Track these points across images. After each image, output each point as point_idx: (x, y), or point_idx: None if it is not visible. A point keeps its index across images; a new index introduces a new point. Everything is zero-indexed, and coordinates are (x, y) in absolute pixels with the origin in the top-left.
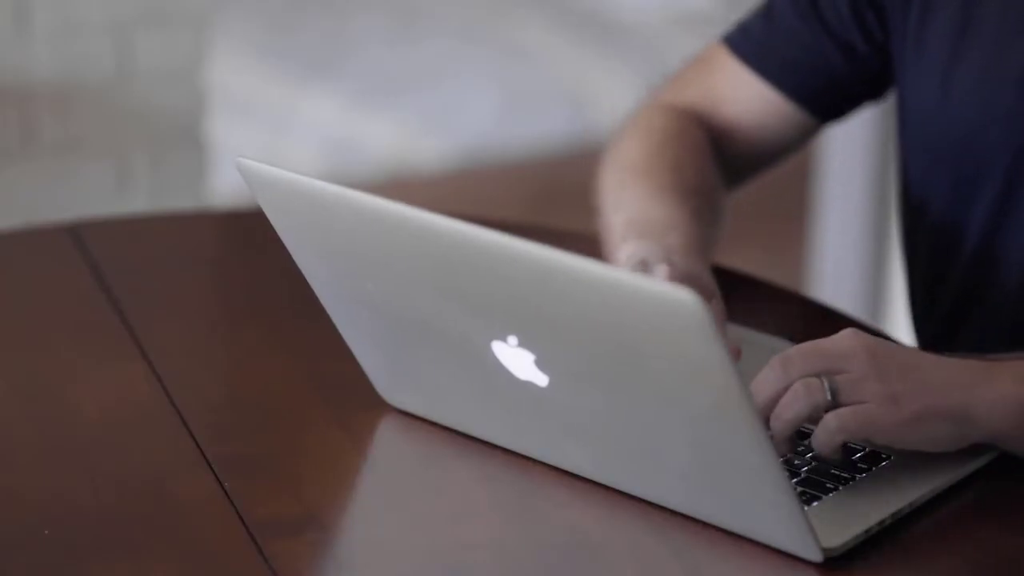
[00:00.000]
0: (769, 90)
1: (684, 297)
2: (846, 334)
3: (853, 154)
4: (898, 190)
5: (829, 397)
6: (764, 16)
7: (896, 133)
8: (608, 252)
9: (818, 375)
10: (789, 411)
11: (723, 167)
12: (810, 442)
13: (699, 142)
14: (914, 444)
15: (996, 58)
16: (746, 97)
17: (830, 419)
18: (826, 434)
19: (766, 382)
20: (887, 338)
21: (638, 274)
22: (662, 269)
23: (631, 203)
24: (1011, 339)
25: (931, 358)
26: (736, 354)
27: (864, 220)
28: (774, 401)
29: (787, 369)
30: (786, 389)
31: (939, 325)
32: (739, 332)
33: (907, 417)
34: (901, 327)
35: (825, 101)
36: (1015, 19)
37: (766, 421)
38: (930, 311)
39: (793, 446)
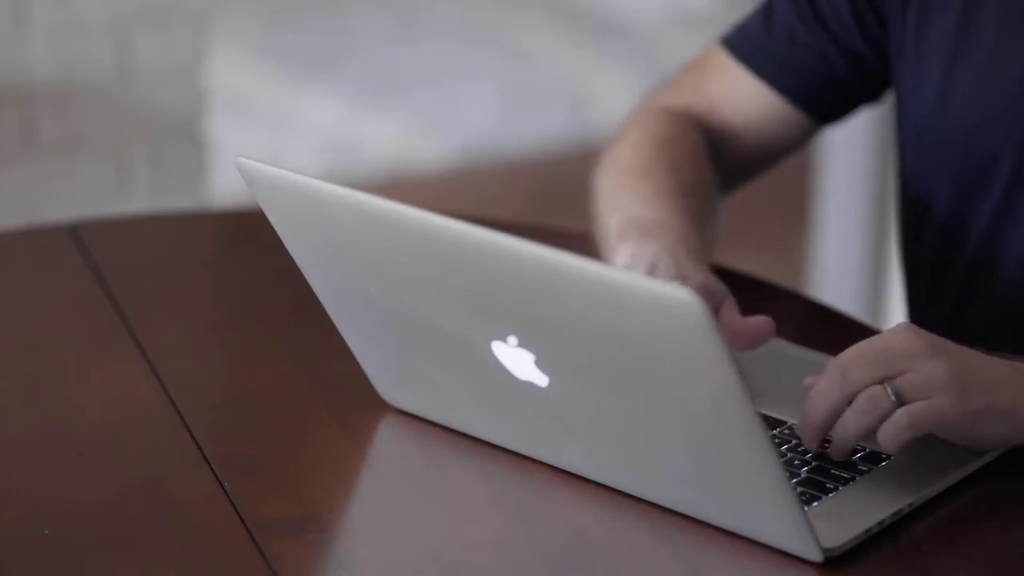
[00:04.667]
0: (767, 91)
1: (684, 297)
2: (901, 330)
3: (853, 154)
4: (896, 191)
5: (893, 402)
6: (763, 17)
7: (895, 134)
8: (605, 253)
9: (880, 382)
10: (853, 425)
11: (721, 169)
12: (876, 437)
13: (696, 144)
14: (971, 440)
15: (997, 57)
16: (744, 98)
17: (900, 416)
18: (896, 431)
19: (826, 394)
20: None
21: (638, 274)
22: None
23: (629, 203)
24: (1010, 340)
25: (982, 356)
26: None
27: (864, 220)
28: (837, 412)
29: (847, 378)
30: (847, 398)
31: (938, 325)
32: None
33: (971, 411)
34: None
35: (824, 103)
36: (1015, 19)
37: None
38: (929, 311)
39: (852, 454)
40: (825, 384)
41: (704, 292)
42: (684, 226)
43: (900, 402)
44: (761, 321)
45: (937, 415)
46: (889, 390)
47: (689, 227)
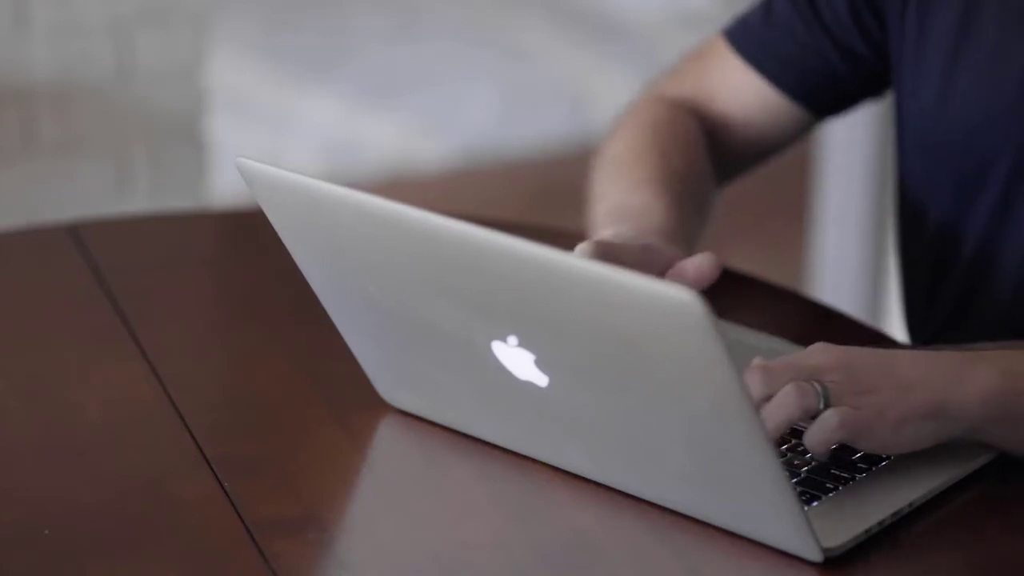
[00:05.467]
0: (766, 86)
1: (684, 297)
2: (817, 348)
3: (852, 153)
4: (895, 190)
5: (822, 404)
6: (763, 12)
7: (894, 134)
8: None
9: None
10: (782, 412)
11: (718, 160)
12: (803, 439)
13: (690, 131)
14: (901, 448)
15: (997, 57)
16: (743, 92)
17: (830, 415)
18: (826, 431)
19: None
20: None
21: (638, 274)
22: (583, 246)
23: (614, 193)
24: (1010, 340)
25: (905, 357)
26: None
27: (864, 220)
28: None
29: (770, 375)
30: (767, 395)
31: (936, 325)
32: (739, 332)
33: (890, 424)
34: (900, 327)
35: (823, 98)
36: (1015, 19)
37: None
38: (929, 311)
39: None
40: (745, 378)
41: (644, 254)
42: (664, 212)
43: (826, 406)
44: (701, 259)
45: (863, 424)
46: (818, 388)
47: (671, 213)
